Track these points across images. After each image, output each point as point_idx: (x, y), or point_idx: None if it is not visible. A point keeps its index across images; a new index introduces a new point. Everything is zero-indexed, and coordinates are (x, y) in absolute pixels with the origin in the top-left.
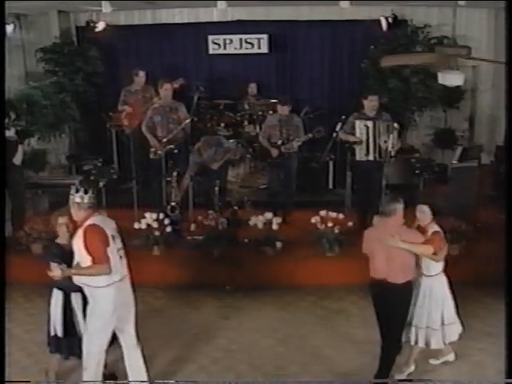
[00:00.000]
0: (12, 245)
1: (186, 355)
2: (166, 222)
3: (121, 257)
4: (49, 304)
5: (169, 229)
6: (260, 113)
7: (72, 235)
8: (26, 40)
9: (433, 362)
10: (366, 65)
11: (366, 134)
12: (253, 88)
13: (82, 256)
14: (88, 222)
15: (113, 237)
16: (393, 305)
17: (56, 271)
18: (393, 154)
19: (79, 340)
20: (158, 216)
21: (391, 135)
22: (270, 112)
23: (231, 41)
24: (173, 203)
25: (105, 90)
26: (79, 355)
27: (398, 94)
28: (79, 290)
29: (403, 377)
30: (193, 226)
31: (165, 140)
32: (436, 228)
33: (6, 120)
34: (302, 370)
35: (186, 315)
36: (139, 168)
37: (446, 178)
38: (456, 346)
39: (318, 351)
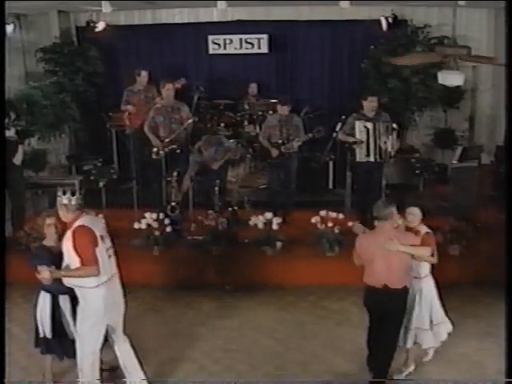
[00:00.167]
0: (12, 245)
1: (186, 355)
2: (166, 221)
3: (110, 256)
4: (35, 306)
5: (169, 229)
6: (260, 113)
7: (60, 236)
8: (26, 40)
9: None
10: (365, 65)
11: (366, 135)
12: (253, 88)
13: (70, 257)
14: (77, 224)
15: (102, 237)
16: (393, 310)
17: (44, 273)
18: (392, 154)
19: (71, 341)
20: (158, 216)
21: (391, 136)
22: (270, 112)
23: (231, 41)
24: (173, 203)
25: (105, 90)
26: (73, 355)
27: (398, 94)
28: (67, 292)
29: (402, 377)
30: (193, 226)
31: (167, 140)
32: (427, 229)
33: (6, 120)
34: (302, 370)
35: (185, 315)
36: (139, 168)
37: (446, 177)
38: (456, 346)
39: (318, 351)
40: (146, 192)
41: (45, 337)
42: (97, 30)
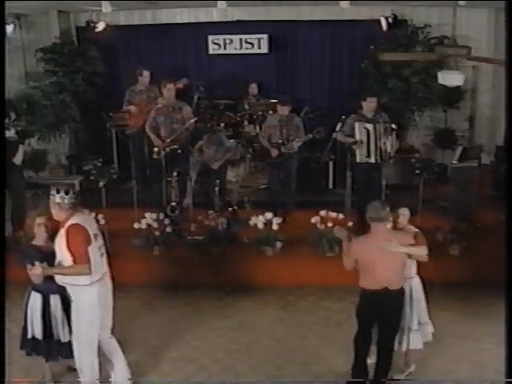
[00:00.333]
0: (12, 245)
1: (186, 355)
2: (166, 222)
3: (102, 254)
4: (26, 306)
5: (169, 229)
6: (260, 113)
7: (50, 236)
8: (26, 40)
9: (397, 376)
10: (365, 65)
11: (366, 136)
12: (253, 88)
13: (63, 255)
14: (70, 222)
15: (95, 235)
16: (393, 312)
17: (37, 270)
18: (392, 154)
19: (57, 343)
20: (158, 216)
21: (390, 136)
22: (270, 112)
23: (231, 41)
24: (173, 203)
25: (105, 90)
26: (58, 357)
27: (398, 94)
28: (58, 291)
29: (402, 377)
30: (193, 226)
31: (168, 140)
32: (415, 228)
33: (6, 120)
34: (302, 369)
35: (185, 315)
36: (139, 168)
37: (446, 177)
38: (456, 346)
39: (318, 351)
40: (146, 192)
41: (33, 338)
42: (97, 30)
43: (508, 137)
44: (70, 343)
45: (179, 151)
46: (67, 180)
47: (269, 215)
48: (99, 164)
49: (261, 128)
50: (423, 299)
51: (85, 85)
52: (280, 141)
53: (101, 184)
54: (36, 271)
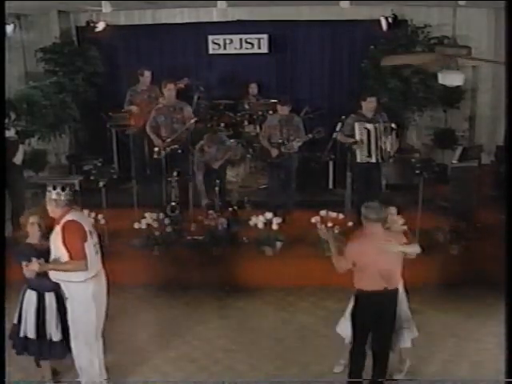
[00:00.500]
0: (12, 245)
1: (186, 355)
2: (166, 221)
3: (97, 252)
4: (21, 304)
5: (169, 229)
6: (260, 113)
7: (44, 234)
8: (26, 40)
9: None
10: (365, 65)
11: (366, 136)
12: (253, 88)
13: (59, 252)
14: (66, 218)
15: (90, 232)
16: (391, 311)
17: (33, 266)
18: (392, 154)
19: (49, 342)
20: (158, 216)
21: (390, 136)
22: (270, 112)
23: (231, 41)
24: (173, 203)
25: (105, 90)
26: (48, 357)
27: (398, 94)
28: (53, 289)
29: (401, 376)
30: (193, 226)
31: (169, 140)
32: (402, 226)
33: (6, 120)
34: (302, 370)
35: (185, 315)
36: (139, 168)
37: (446, 177)
38: (456, 346)
39: (318, 351)
40: (146, 192)
41: (25, 337)
42: (97, 30)
43: (508, 137)
44: (61, 342)
45: (179, 151)
46: (67, 180)
47: (269, 215)
48: (99, 164)
49: (261, 128)
50: (404, 297)
51: (85, 85)
52: (280, 141)
53: (101, 184)
54: (33, 267)
